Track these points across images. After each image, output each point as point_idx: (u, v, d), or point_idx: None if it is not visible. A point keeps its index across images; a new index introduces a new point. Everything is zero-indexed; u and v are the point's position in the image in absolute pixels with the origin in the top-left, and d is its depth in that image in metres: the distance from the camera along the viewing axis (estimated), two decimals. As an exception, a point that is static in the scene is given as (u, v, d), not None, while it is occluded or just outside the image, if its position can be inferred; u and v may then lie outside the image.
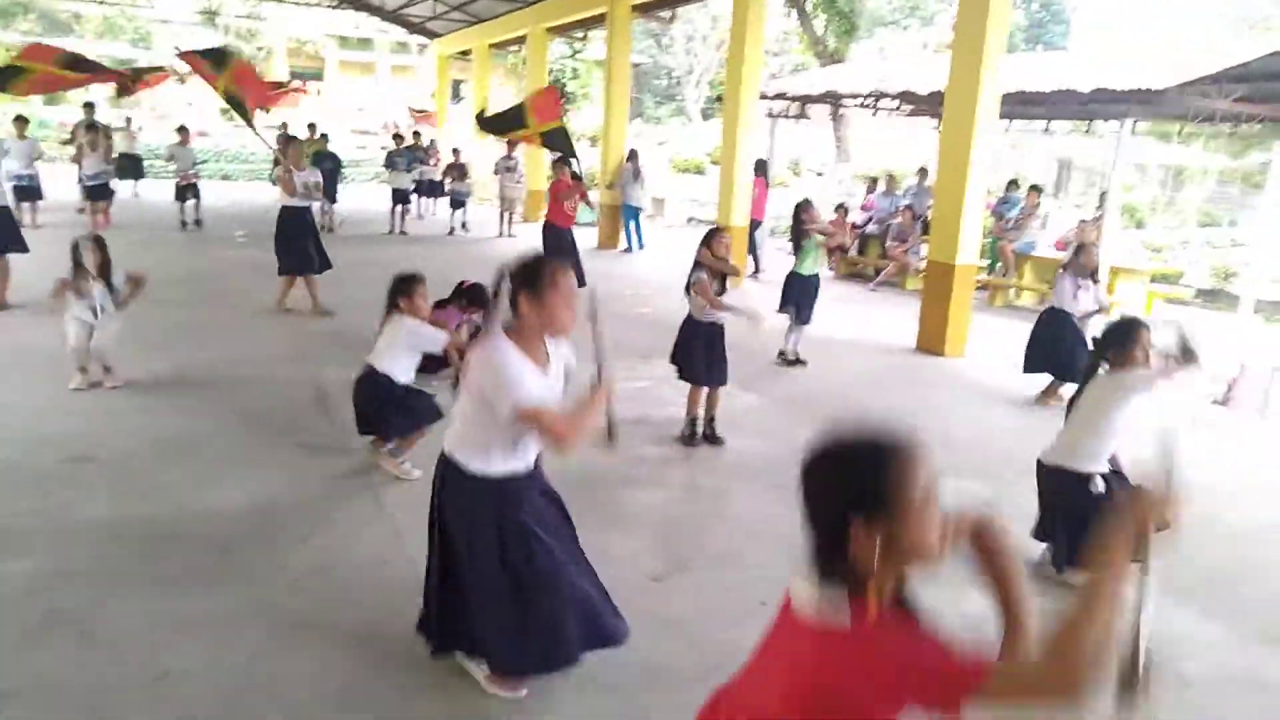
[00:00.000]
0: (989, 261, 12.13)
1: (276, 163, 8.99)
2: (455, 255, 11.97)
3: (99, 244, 5.49)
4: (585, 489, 4.04)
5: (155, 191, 16.61)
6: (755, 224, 12.17)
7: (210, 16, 32.27)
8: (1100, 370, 3.80)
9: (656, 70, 42.31)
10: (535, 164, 17.45)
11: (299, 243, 8.16)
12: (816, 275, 7.49)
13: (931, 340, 8.12)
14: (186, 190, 13.29)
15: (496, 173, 15.42)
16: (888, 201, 13.51)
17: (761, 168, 12.35)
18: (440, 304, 6.10)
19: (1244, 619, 3.55)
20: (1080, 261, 6.67)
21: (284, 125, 16.69)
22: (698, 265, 5.22)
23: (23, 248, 7.60)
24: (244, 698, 2.69)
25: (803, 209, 7.47)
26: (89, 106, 15.07)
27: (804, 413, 6.10)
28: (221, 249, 12.00)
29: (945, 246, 8.10)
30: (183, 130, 13.96)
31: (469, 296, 6.36)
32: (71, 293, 5.37)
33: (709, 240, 5.25)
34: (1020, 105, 11.31)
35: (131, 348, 5.88)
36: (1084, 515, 3.53)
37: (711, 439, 5.32)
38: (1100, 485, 3.64)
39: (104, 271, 5.42)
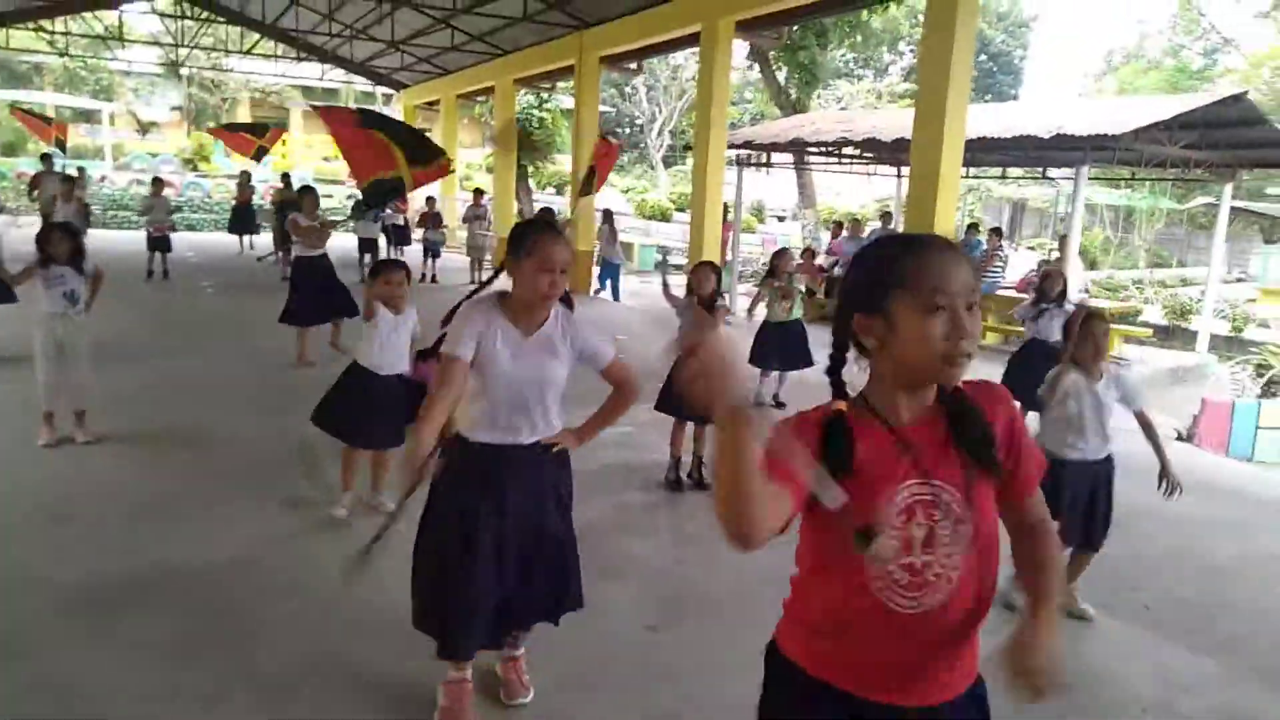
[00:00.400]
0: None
1: (280, 211, 8.99)
2: (430, 303, 11.93)
3: (68, 231, 5.37)
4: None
5: (117, 242, 16.43)
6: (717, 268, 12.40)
7: (173, 67, 32.18)
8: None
9: (619, 119, 43.03)
10: (505, 214, 17.57)
11: (308, 293, 8.12)
12: (798, 321, 7.48)
13: (904, 382, 8.22)
14: (158, 242, 13.16)
15: (466, 221, 15.49)
16: (853, 245, 13.77)
17: (725, 212, 12.53)
18: (424, 354, 6.06)
19: (1234, 655, 3.60)
20: (1044, 287, 6.79)
21: (285, 176, 16.75)
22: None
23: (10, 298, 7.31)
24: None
25: (778, 257, 7.59)
26: (47, 158, 14.93)
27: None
28: (191, 299, 11.86)
29: (914, 290, 8.25)
30: (157, 182, 13.90)
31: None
32: (40, 281, 5.17)
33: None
34: (981, 152, 11.65)
35: (105, 402, 5.76)
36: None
37: (700, 483, 5.31)
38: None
39: (74, 260, 5.26)
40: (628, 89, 39.48)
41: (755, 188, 24.23)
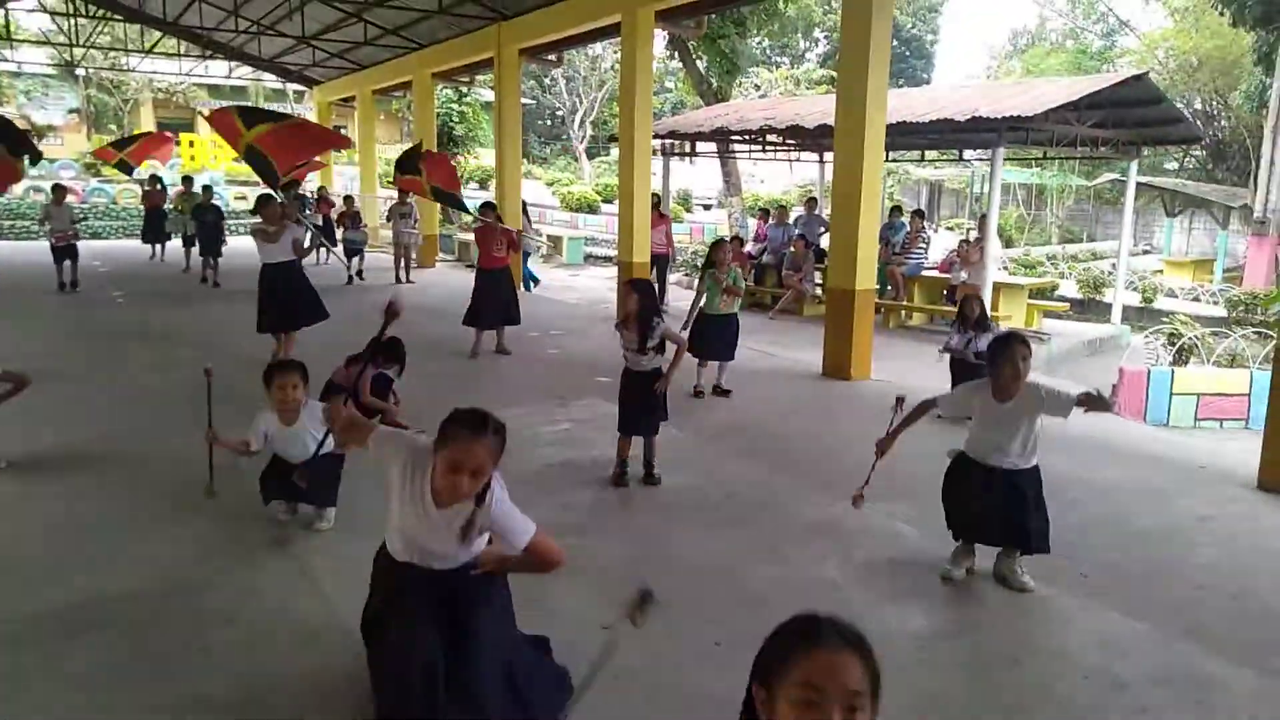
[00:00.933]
0: (879, 285, 12.59)
1: (255, 213, 8.56)
2: (355, 304, 11.63)
3: None
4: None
5: (20, 253, 15.62)
6: (660, 260, 12.36)
7: (68, 67, 30.67)
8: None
9: (540, 111, 42.69)
10: (430, 210, 17.23)
11: (281, 299, 7.94)
12: (734, 315, 7.46)
13: (838, 365, 8.34)
14: (64, 251, 12.54)
15: (390, 219, 15.16)
16: (780, 231, 13.90)
17: (655, 204, 12.52)
18: (353, 359, 5.88)
19: (1168, 616, 3.73)
20: (964, 313, 6.79)
21: (293, 182, 15.91)
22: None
23: None
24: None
25: (716, 247, 7.57)
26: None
27: (727, 445, 6.16)
28: (102, 311, 11.33)
29: (844, 273, 8.36)
30: (58, 189, 13.20)
31: (384, 351, 6.16)
32: None
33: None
34: (900, 135, 11.87)
35: (10, 426, 5.45)
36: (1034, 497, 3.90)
37: (649, 477, 5.26)
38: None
39: None
40: (547, 80, 39.19)
41: (681, 176, 24.32)
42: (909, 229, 12.62)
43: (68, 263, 12.62)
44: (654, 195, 12.48)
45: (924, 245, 12.78)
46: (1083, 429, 5.63)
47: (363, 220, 15.49)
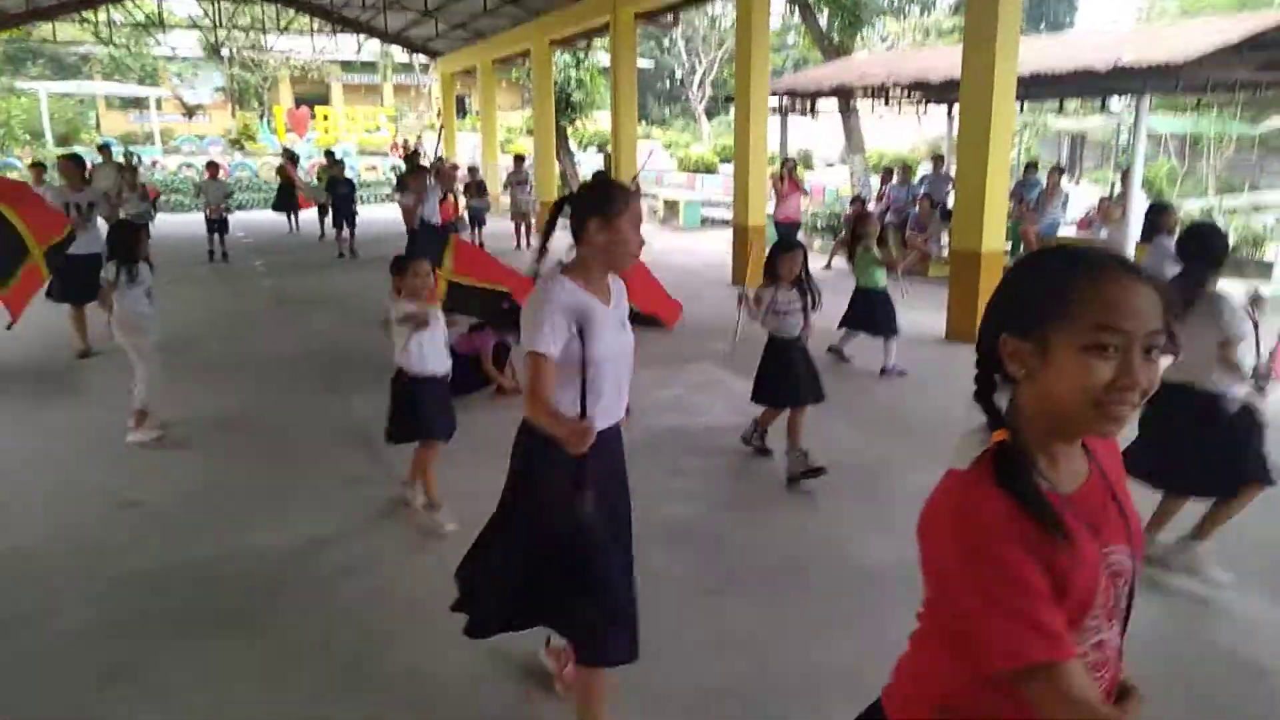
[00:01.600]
0: (1012, 245, 11.98)
1: (402, 188, 9.16)
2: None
3: (145, 228, 5.57)
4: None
5: (176, 225, 16.77)
6: (790, 228, 11.90)
7: (214, 50, 32.50)
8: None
9: (659, 72, 42.39)
10: (547, 176, 17.49)
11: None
12: (885, 289, 7.08)
13: (962, 330, 8.02)
14: (215, 224, 13.41)
15: (508, 186, 15.45)
16: (904, 191, 13.39)
17: (791, 167, 12.19)
18: (475, 328, 6.05)
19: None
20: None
21: (416, 153, 16.65)
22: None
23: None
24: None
25: (863, 220, 7.29)
26: (105, 148, 15.19)
27: (840, 411, 6.01)
28: (246, 281, 12.04)
29: (970, 234, 8.00)
30: (212, 165, 14.18)
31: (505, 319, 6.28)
32: (125, 280, 5.14)
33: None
34: (1036, 86, 11.16)
35: (168, 389, 5.87)
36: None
37: (761, 450, 5.13)
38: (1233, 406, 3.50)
39: (147, 256, 5.37)
40: (666, 41, 38.83)
41: (801, 135, 23.69)
42: (1044, 185, 11.92)
43: (218, 235, 13.47)
44: (790, 160, 12.15)
45: (1061, 202, 12.05)
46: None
47: (486, 189, 15.86)
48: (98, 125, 32.62)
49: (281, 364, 7.40)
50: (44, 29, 22.61)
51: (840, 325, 7.23)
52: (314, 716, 2.78)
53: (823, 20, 17.93)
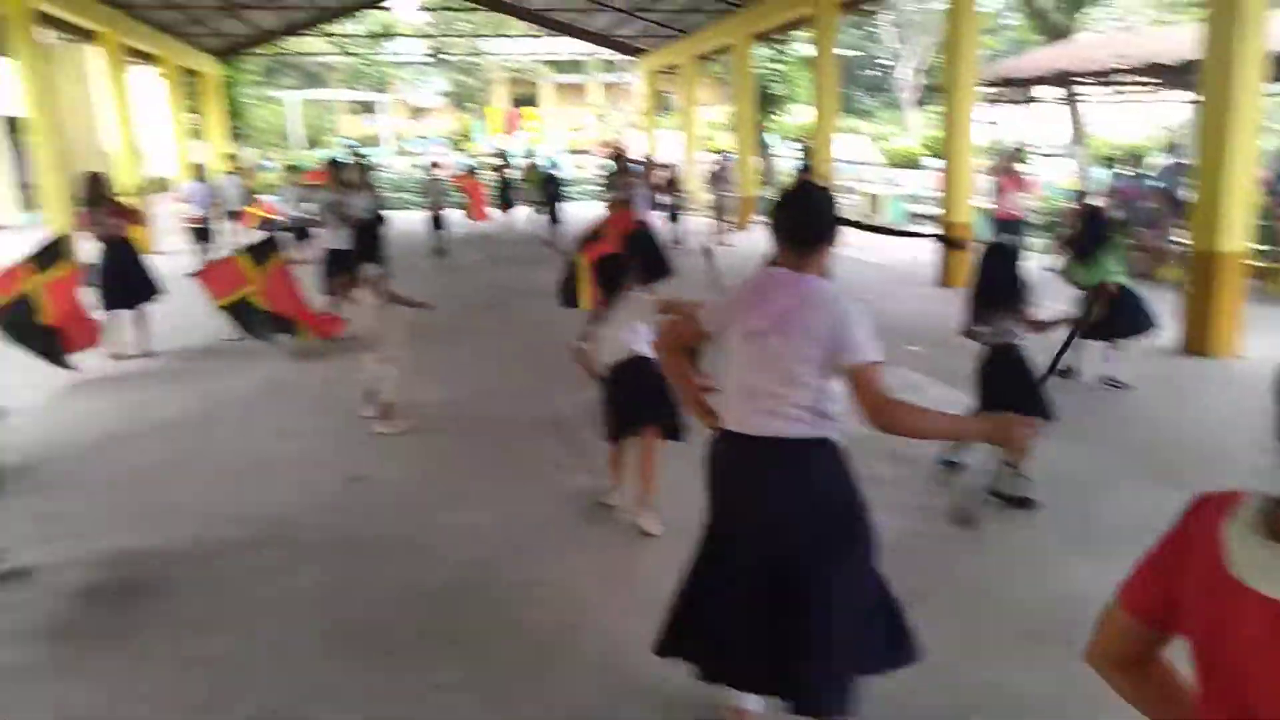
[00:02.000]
0: (1265, 245, 10.72)
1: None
2: (681, 266, 12.17)
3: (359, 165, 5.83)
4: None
5: (402, 223, 18.18)
6: (1011, 225, 10.38)
7: (437, 56, 34.92)
8: None
9: (865, 61, 41.05)
10: (747, 173, 17.48)
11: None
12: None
13: (1197, 340, 7.28)
14: (438, 220, 14.42)
15: (709, 182, 15.58)
16: (1135, 184, 12.30)
17: (1014, 158, 10.74)
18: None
19: None
20: None
21: (621, 152, 17.24)
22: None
23: None
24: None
25: (1095, 216, 6.65)
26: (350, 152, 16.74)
27: (1057, 428, 5.65)
28: (466, 274, 12.78)
29: (1208, 231, 7.24)
30: (435, 165, 15.32)
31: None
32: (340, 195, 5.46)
33: None
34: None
35: (410, 381, 6.18)
36: None
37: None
38: None
39: (365, 182, 5.63)
40: (872, 28, 37.59)
41: (1017, 125, 22.23)
42: (1304, 178, 10.57)
43: (439, 230, 14.47)
44: (1014, 150, 10.99)
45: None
46: None
47: (683, 186, 16.08)
48: (336, 129, 35.91)
49: (502, 356, 7.83)
50: (296, 43, 25.14)
51: (1087, 336, 6.22)
52: (514, 689, 2.97)
53: (1043, 1, 16.76)
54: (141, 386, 6.98)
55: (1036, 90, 14.22)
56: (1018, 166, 10.03)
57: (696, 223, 16.74)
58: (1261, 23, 6.76)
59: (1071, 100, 15.72)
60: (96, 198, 7.67)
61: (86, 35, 14.68)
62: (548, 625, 3.35)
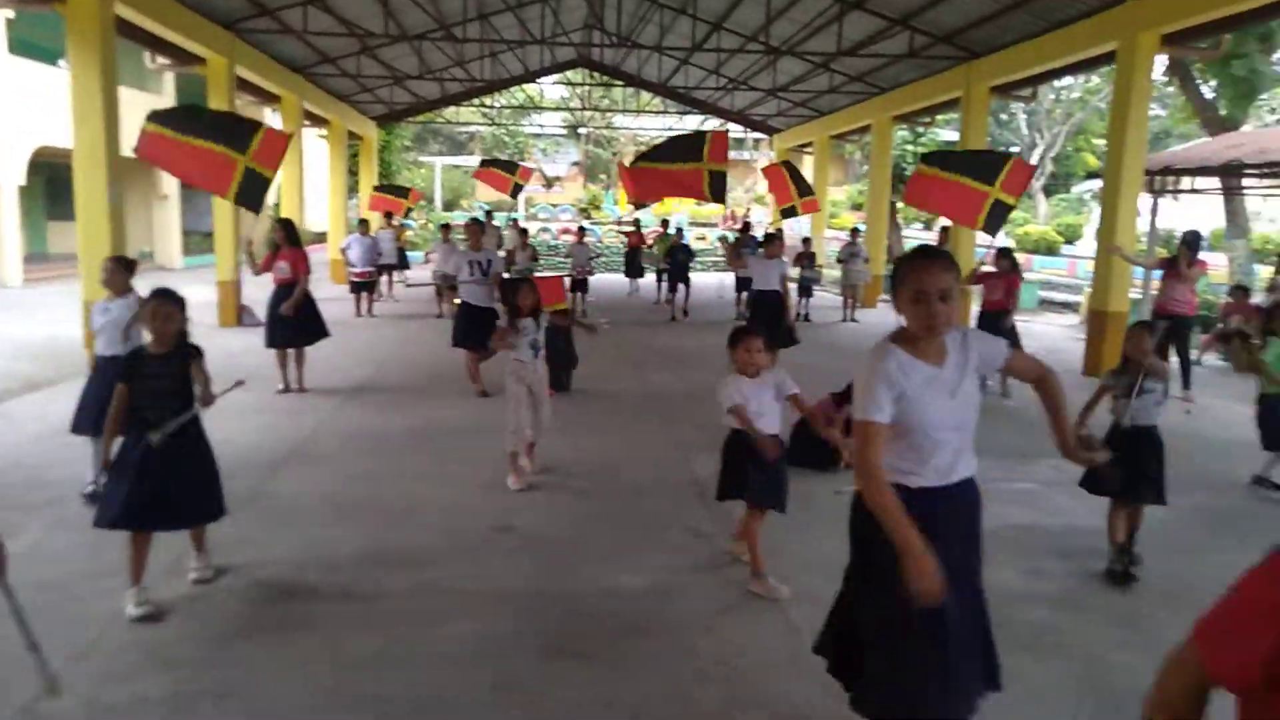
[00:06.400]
0: None
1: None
2: (808, 340, 12.09)
3: (531, 286, 5.89)
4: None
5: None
6: (1184, 321, 9.34)
7: (574, 129, 36.40)
8: None
9: (995, 148, 40.55)
10: (878, 250, 17.32)
11: (762, 320, 8.94)
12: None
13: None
14: (579, 284, 14.86)
15: (841, 259, 15.51)
16: (1307, 282, 11.54)
17: (1193, 244, 9.37)
18: (838, 396, 6.06)
19: None
20: None
21: (748, 224, 17.71)
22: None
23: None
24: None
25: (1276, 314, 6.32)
26: (488, 214, 17.54)
27: (1227, 526, 5.25)
28: (599, 338, 13.01)
29: None
30: (581, 231, 15.97)
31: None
32: (510, 336, 5.69)
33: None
34: None
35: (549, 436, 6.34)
36: None
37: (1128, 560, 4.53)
38: None
39: (534, 312, 5.79)
40: (1004, 115, 37.10)
41: (1166, 216, 21.34)
42: None
43: (580, 294, 14.88)
44: (1189, 235, 9.51)
45: None
46: None
47: (817, 259, 16.06)
48: (473, 193, 37.67)
49: (631, 414, 7.93)
50: (447, 112, 26.63)
51: (1267, 447, 6.10)
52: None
53: (1207, 90, 16.17)
54: (296, 422, 7.31)
55: (1186, 182, 13.63)
56: (1189, 256, 9.27)
57: (821, 298, 16.65)
58: None
59: (1233, 192, 14.99)
60: (292, 240, 8.23)
61: (270, 98, 15.96)
62: (714, 701, 3.26)
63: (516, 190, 16.49)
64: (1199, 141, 14.88)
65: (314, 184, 20.45)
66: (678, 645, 3.66)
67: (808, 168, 23.54)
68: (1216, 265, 18.20)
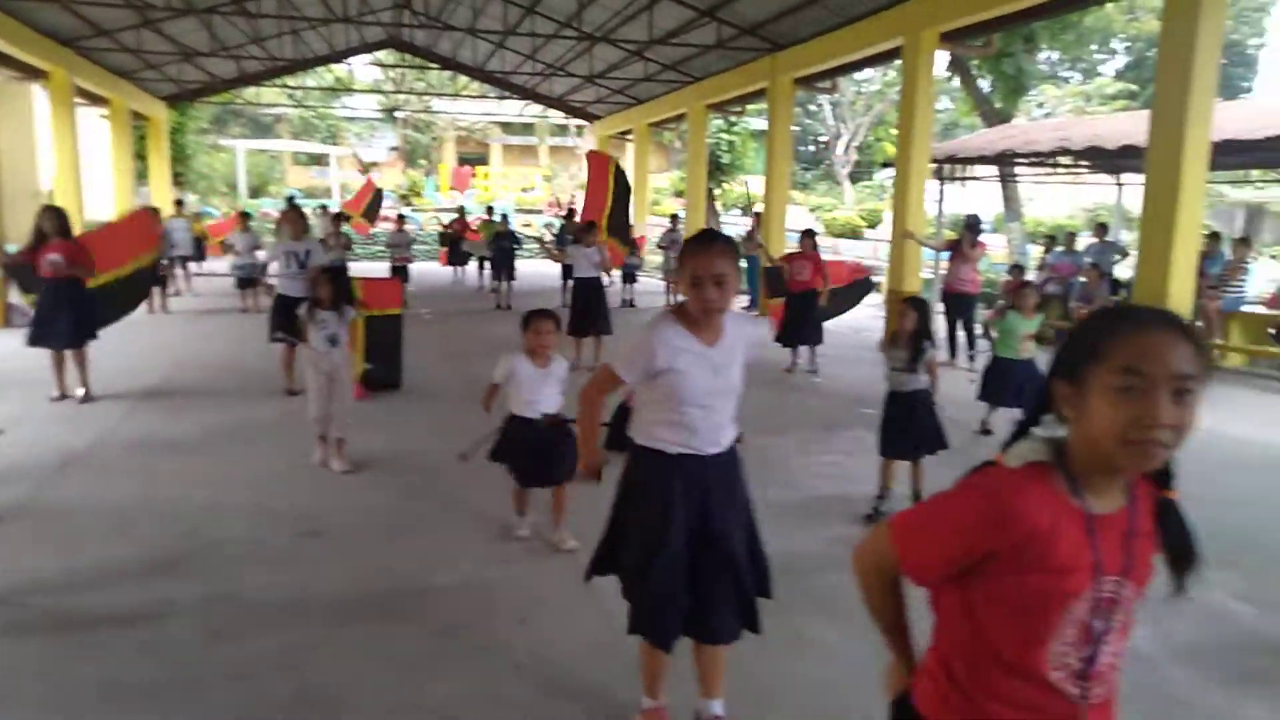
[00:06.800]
0: (1195, 320, 11.25)
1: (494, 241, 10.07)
2: (626, 325, 12.22)
3: (332, 276, 5.85)
4: (785, 574, 3.94)
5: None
6: (965, 299, 10.17)
7: (390, 112, 35.05)
8: None
9: (804, 136, 42.57)
10: (695, 236, 17.75)
11: (581, 309, 9.42)
12: (1030, 361, 6.67)
13: (1139, 410, 7.53)
14: (399, 272, 14.37)
15: (661, 247, 15.80)
16: (1069, 260, 12.85)
17: (975, 226, 10.30)
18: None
19: None
20: None
21: (572, 211, 17.78)
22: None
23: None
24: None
25: (1021, 291, 6.95)
26: (291, 199, 16.63)
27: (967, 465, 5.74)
28: (413, 328, 12.64)
29: (1150, 309, 7.55)
30: (400, 218, 15.46)
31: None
32: (309, 325, 5.64)
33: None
34: (1217, 155, 10.54)
35: (357, 432, 6.20)
36: None
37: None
38: None
39: (335, 303, 5.73)
40: (812, 106, 39.05)
41: (951, 201, 23.19)
42: (1230, 258, 11.18)
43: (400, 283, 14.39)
44: (971, 218, 10.53)
45: (1244, 276, 11.26)
46: None
47: (641, 247, 16.30)
48: (284, 179, 35.60)
49: (446, 408, 7.75)
50: (247, 93, 25.00)
51: (980, 398, 6.98)
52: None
53: (984, 85, 17.62)
54: (74, 430, 6.64)
55: (972, 170, 14.88)
56: (971, 238, 10.17)
57: (645, 283, 16.92)
58: (1207, 115, 7.19)
59: (1006, 179, 16.46)
60: (63, 230, 7.39)
61: (36, 74, 14.36)
62: (530, 694, 3.23)
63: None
64: (979, 133, 16.23)
65: (95, 169, 18.66)
66: (491, 640, 3.61)
67: (629, 155, 23.86)
68: (997, 246, 19.95)
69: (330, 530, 4.79)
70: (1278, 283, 13.79)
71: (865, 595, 1.53)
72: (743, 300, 15.08)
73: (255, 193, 31.23)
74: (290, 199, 17.26)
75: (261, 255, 12.19)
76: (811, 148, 44.76)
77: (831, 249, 25.25)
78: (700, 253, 2.51)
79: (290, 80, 24.43)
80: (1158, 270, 7.42)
